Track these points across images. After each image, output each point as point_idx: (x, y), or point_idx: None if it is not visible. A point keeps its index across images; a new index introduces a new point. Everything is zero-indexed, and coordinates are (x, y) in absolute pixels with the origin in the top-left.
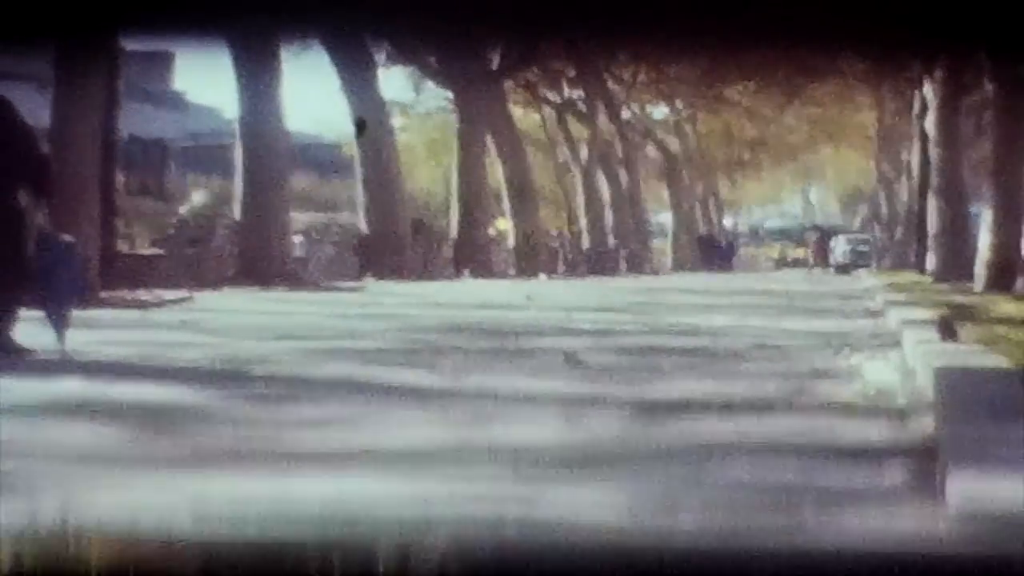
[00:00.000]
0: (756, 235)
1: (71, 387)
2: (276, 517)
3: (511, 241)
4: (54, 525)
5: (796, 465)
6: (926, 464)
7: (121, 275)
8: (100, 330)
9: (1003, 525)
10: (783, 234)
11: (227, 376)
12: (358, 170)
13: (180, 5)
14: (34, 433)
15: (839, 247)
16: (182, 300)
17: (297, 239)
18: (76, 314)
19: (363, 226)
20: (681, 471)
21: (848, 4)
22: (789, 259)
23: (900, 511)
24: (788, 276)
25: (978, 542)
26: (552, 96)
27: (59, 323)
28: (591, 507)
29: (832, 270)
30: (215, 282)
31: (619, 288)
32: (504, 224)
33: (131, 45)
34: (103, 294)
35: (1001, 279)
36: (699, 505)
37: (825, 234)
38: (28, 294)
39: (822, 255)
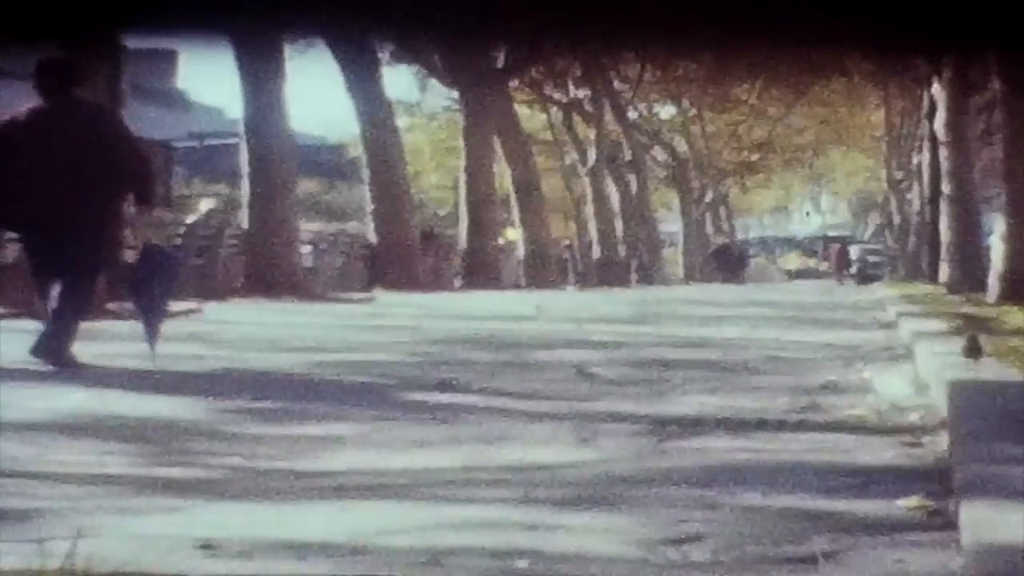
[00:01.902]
0: (767, 245)
1: (77, 402)
2: (284, 548)
3: (520, 251)
4: (60, 560)
5: (806, 490)
6: (940, 488)
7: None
8: (106, 342)
9: (1020, 559)
10: (795, 244)
11: (235, 391)
12: (365, 174)
13: (182, 2)
14: (39, 452)
15: (854, 258)
16: (190, 312)
17: (305, 249)
18: (81, 326)
19: (371, 236)
20: (692, 494)
21: (854, 1)
22: (802, 269)
23: (914, 541)
24: (801, 287)
25: None
26: (558, 95)
27: (153, 333)
28: (600, 535)
29: (851, 281)
30: (223, 293)
31: (630, 300)
32: (513, 234)
33: (133, 43)
34: (109, 305)
35: (1015, 290)
36: (710, 535)
37: (844, 244)
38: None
39: (843, 266)
